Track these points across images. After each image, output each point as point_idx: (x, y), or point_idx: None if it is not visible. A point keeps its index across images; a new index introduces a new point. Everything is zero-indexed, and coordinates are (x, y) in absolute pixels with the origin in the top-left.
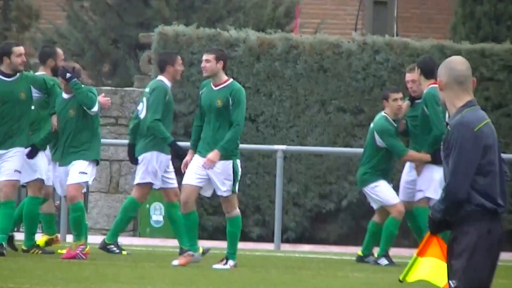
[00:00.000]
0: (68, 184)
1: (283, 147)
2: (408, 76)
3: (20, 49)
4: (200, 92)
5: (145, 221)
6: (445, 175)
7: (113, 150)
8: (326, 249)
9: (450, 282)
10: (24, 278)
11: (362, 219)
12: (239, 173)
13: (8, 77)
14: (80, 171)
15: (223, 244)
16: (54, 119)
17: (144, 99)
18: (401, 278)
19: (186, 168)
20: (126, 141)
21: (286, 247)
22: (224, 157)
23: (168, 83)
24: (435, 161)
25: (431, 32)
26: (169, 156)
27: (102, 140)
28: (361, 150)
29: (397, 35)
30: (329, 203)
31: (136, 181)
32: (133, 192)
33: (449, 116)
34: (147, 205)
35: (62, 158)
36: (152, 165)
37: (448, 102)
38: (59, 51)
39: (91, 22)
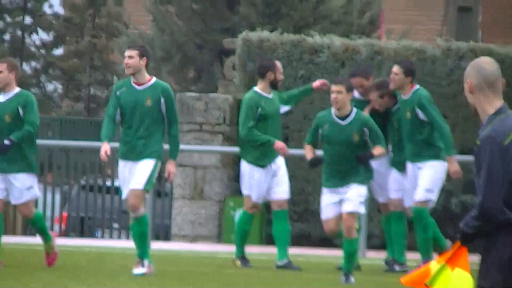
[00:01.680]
0: (20, 204)
1: None
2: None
3: None
4: (117, 93)
5: (229, 227)
6: (477, 189)
7: (197, 156)
8: (411, 256)
9: None
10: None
11: (446, 226)
12: (155, 176)
13: None
14: (27, 187)
15: (308, 251)
16: None
17: None
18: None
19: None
20: (211, 147)
21: (371, 254)
22: (151, 156)
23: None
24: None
25: None
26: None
27: (188, 147)
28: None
29: (481, 41)
30: None
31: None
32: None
33: (481, 124)
34: (232, 212)
35: None
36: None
37: (479, 108)
38: (278, 63)
39: (176, 27)
